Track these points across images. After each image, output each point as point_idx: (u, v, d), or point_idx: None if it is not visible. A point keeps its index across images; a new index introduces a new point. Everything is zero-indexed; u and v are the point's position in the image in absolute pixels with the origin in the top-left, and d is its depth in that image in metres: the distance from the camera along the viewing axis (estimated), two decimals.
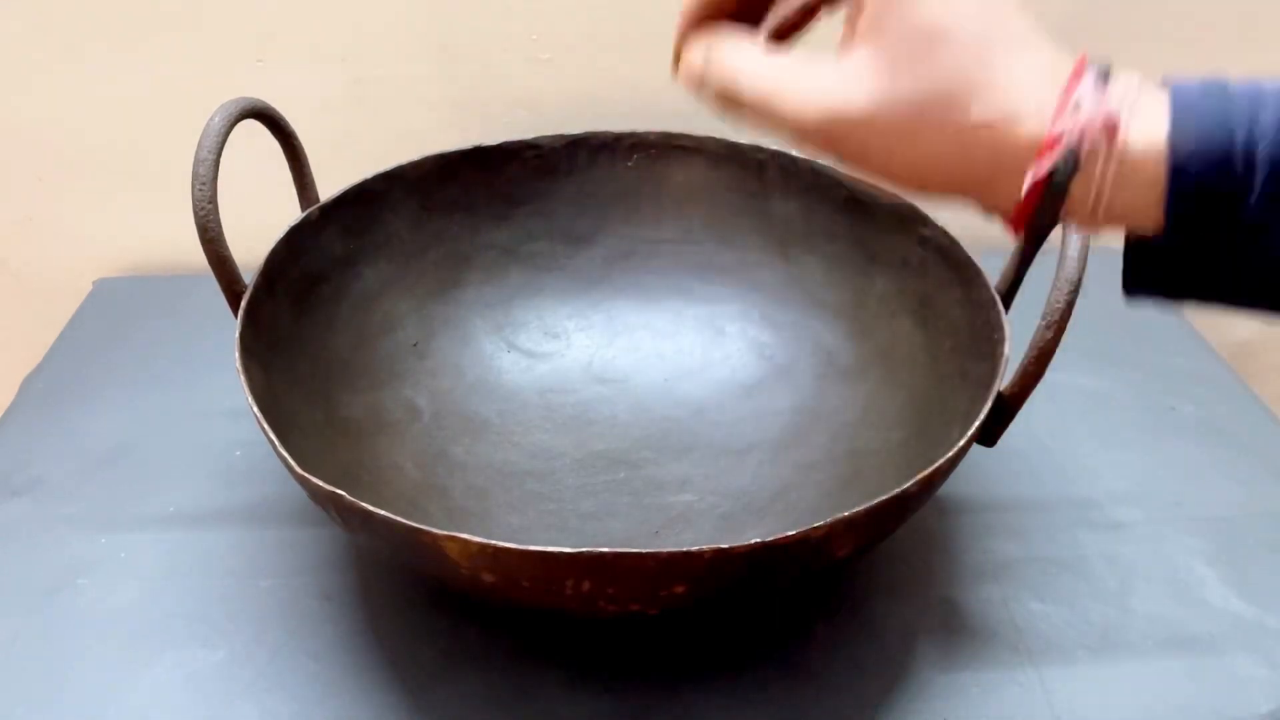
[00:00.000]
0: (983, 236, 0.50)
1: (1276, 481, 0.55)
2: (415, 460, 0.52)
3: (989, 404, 0.42)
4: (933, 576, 0.50)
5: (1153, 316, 0.69)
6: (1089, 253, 0.41)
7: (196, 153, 0.43)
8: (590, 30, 0.64)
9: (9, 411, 0.59)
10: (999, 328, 0.46)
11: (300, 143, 0.50)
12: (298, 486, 0.40)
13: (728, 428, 0.57)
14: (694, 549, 0.35)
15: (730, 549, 0.35)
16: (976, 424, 0.41)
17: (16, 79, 0.64)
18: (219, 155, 0.44)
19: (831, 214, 0.57)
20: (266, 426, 0.40)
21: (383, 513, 0.36)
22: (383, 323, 0.56)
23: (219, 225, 0.44)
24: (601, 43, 0.65)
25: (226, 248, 0.45)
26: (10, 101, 0.65)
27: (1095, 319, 0.56)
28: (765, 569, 0.37)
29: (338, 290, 0.54)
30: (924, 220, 0.53)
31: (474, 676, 0.45)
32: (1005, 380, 0.43)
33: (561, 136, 0.59)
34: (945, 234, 0.52)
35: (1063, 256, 0.41)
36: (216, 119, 0.44)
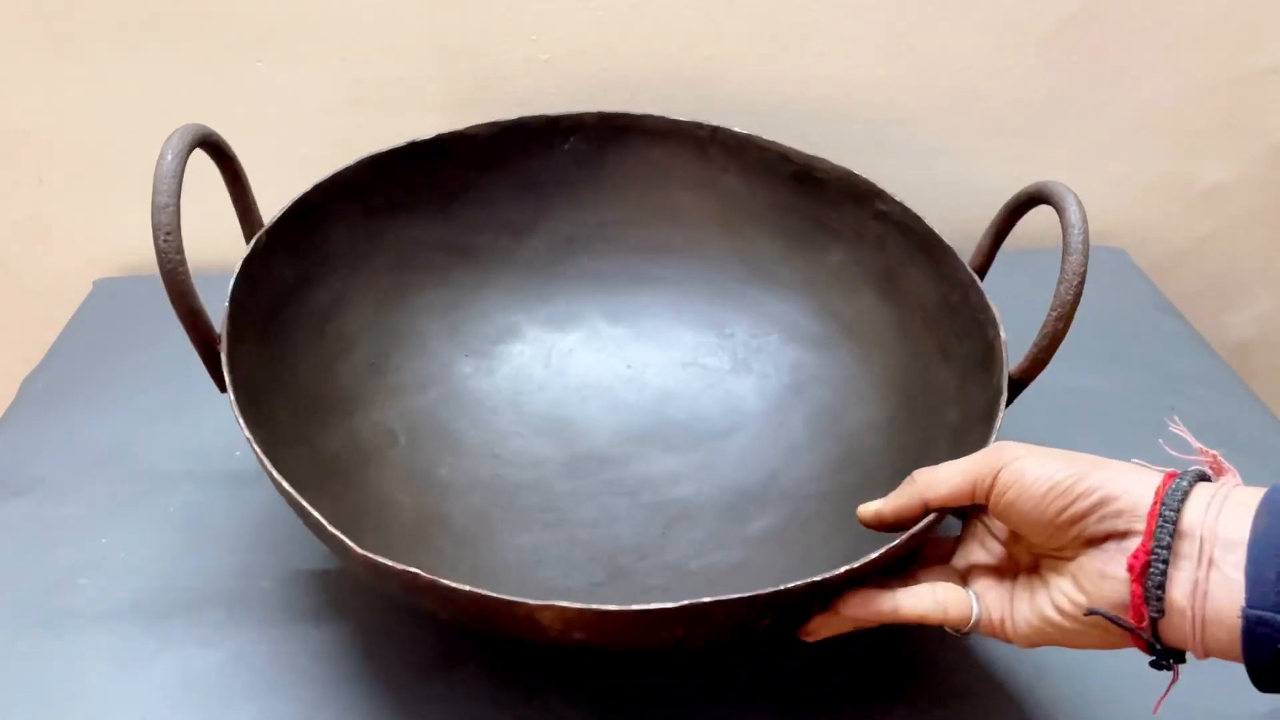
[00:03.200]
0: (948, 221, 0.51)
1: (1277, 481, 0.55)
2: (407, 490, 0.51)
3: (1005, 392, 0.43)
4: None
5: (1153, 316, 0.69)
6: (1090, 248, 0.42)
7: (155, 198, 0.40)
8: (590, 30, 0.64)
9: (9, 411, 0.59)
10: (984, 309, 0.46)
11: (242, 166, 0.47)
12: None
13: (701, 411, 0.57)
14: (789, 586, 0.35)
15: (824, 580, 0.36)
16: (1001, 412, 0.42)
17: (16, 79, 0.64)
18: (178, 200, 0.40)
19: (779, 189, 0.57)
20: (315, 512, 0.37)
21: (469, 589, 0.35)
22: (338, 343, 0.53)
23: (189, 278, 0.41)
24: (601, 43, 0.65)
25: (198, 299, 0.41)
26: (10, 101, 0.65)
27: (1095, 319, 0.56)
28: (836, 591, 0.38)
29: (293, 317, 0.50)
30: (879, 194, 0.52)
31: (475, 676, 0.45)
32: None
33: (495, 124, 0.56)
34: (904, 209, 0.51)
35: (1066, 246, 0.42)
36: (169, 158, 0.40)
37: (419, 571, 0.35)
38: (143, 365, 0.62)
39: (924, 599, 0.38)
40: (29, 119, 0.66)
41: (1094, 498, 0.33)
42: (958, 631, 0.38)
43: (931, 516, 0.38)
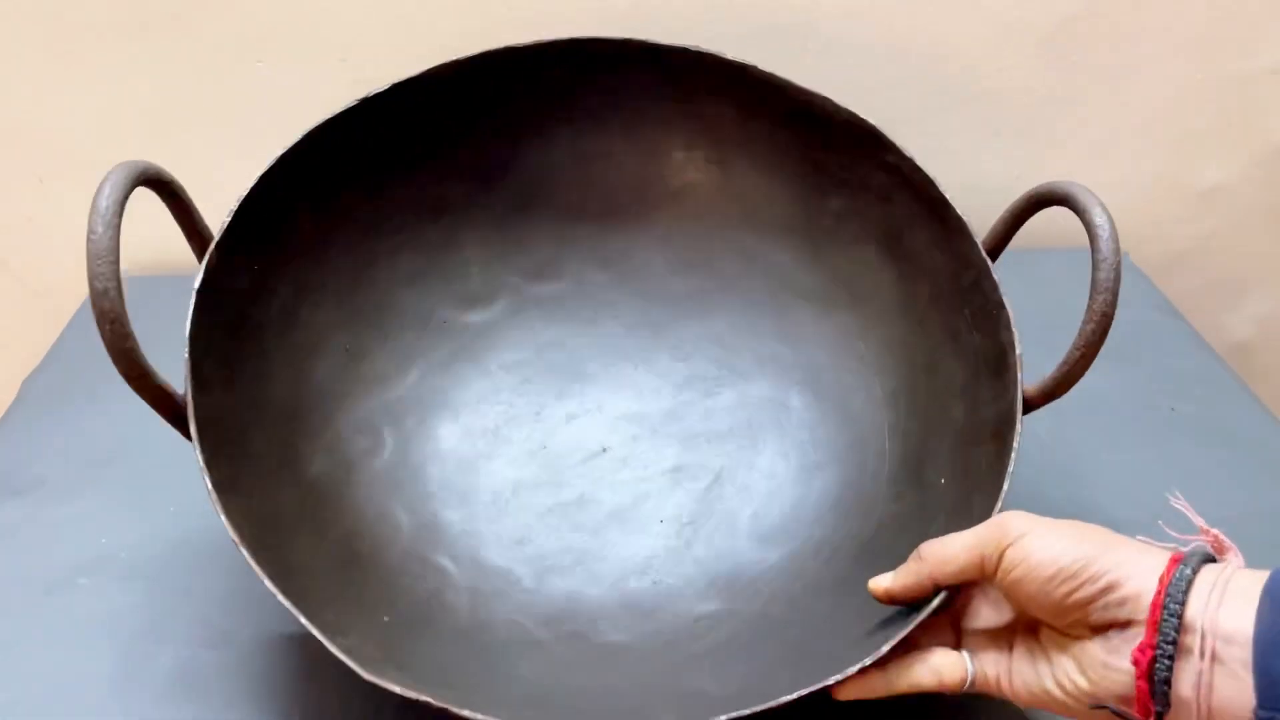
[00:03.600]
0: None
1: (1276, 481, 0.55)
2: (400, 499, 0.49)
3: (1018, 424, 0.41)
4: None
5: (1153, 316, 0.69)
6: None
7: (92, 283, 0.36)
8: (591, 31, 0.64)
9: (9, 412, 0.59)
10: (998, 304, 0.44)
11: (186, 192, 0.44)
12: None
13: (695, 369, 0.55)
14: (792, 697, 0.36)
15: (827, 686, 0.37)
16: (1010, 466, 0.41)
17: (17, 79, 0.64)
18: (119, 281, 0.37)
19: (774, 125, 0.52)
20: (317, 631, 0.37)
21: (482, 718, 0.35)
22: (309, 338, 0.49)
23: (141, 356, 0.39)
24: None
25: (158, 377, 0.39)
26: (10, 101, 0.65)
27: None
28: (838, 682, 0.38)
29: (259, 326, 0.47)
30: (887, 146, 0.49)
31: None
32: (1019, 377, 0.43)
33: (455, 63, 0.50)
34: (914, 165, 0.48)
35: (1095, 283, 0.40)
36: (102, 232, 0.36)
37: (430, 699, 0.35)
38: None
39: (917, 671, 0.38)
40: (29, 119, 0.66)
41: (1100, 584, 0.33)
42: (954, 693, 0.38)
43: (942, 595, 0.38)
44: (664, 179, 0.56)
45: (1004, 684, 0.37)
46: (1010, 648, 0.37)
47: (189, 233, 0.44)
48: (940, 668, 0.38)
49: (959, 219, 0.47)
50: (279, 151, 0.47)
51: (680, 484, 0.52)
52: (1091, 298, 0.40)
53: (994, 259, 0.47)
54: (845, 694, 0.38)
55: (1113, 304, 0.40)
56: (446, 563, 0.48)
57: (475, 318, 0.55)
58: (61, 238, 0.71)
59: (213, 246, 0.43)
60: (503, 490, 0.51)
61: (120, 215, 0.36)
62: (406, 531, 0.48)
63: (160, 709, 0.43)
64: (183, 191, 0.43)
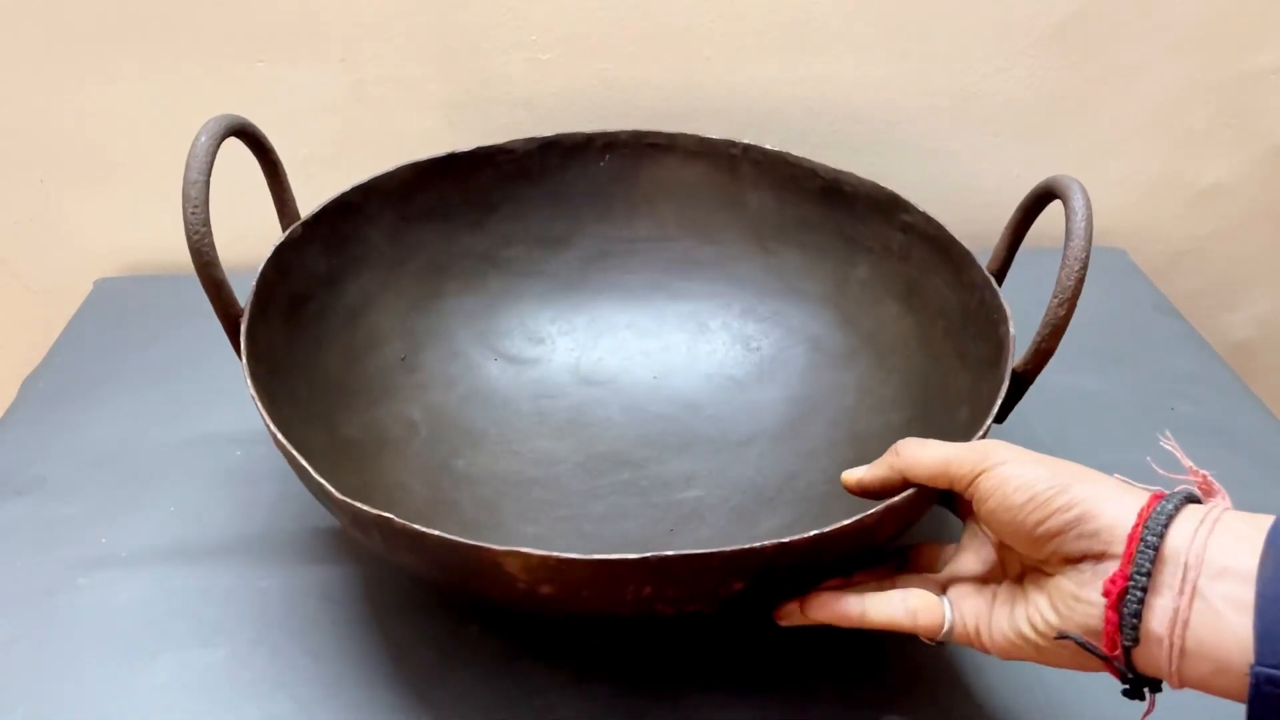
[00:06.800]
0: (948, 222, 0.51)
1: (1276, 481, 0.55)
2: (420, 477, 0.52)
3: (1006, 381, 0.43)
4: None
5: (1153, 316, 0.69)
6: (1091, 243, 0.42)
7: (186, 174, 0.42)
8: (590, 31, 0.64)
9: (9, 411, 0.60)
10: (998, 309, 0.46)
11: (279, 158, 0.49)
12: (299, 486, 0.40)
13: (723, 421, 0.57)
14: (756, 545, 0.35)
15: (791, 542, 0.35)
16: (998, 402, 0.42)
17: (17, 79, 0.64)
18: (209, 176, 0.42)
19: (807, 204, 0.58)
20: (296, 453, 0.39)
21: (437, 533, 0.35)
22: (369, 338, 0.55)
23: (214, 249, 0.42)
24: (602, 43, 0.65)
25: (222, 272, 0.43)
26: (11, 101, 0.65)
27: (1095, 319, 0.56)
28: (818, 559, 0.37)
29: (324, 308, 0.52)
30: (905, 207, 0.53)
31: (475, 675, 0.45)
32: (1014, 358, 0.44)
33: (534, 139, 0.58)
34: (928, 219, 0.52)
35: (1069, 233, 0.41)
36: (203, 138, 0.43)
37: (393, 517, 0.36)
38: (143, 365, 0.62)
39: (893, 605, 0.38)
40: (30, 119, 0.66)
41: (1072, 513, 0.33)
42: (931, 640, 0.38)
43: (910, 491, 0.38)
44: (709, 257, 0.61)
45: (983, 634, 0.36)
46: (994, 598, 0.37)
47: (278, 199, 0.50)
48: (917, 608, 0.37)
49: (964, 252, 0.50)
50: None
51: (694, 503, 0.53)
52: (1066, 246, 0.41)
53: (1004, 274, 0.49)
54: (815, 610, 0.38)
55: (1086, 250, 0.41)
56: (452, 530, 0.49)
57: (524, 362, 0.60)
58: (62, 237, 0.71)
59: (300, 223, 0.50)
60: (517, 491, 0.53)
61: (219, 142, 0.43)
62: (420, 501, 0.50)
63: (160, 709, 0.43)
64: (275, 155, 0.48)
